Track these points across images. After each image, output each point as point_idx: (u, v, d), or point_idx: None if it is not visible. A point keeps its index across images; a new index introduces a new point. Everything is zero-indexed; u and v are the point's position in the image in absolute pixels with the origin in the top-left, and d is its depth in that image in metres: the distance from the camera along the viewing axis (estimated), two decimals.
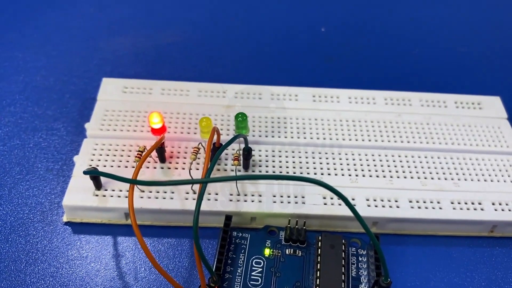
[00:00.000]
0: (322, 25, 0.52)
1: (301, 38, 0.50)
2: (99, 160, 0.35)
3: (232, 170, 0.35)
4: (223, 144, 0.33)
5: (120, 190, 0.34)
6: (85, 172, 0.30)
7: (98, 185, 0.33)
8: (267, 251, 0.32)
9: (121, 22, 0.51)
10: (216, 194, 0.34)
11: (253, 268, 0.31)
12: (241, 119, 0.34)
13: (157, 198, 0.33)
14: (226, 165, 0.36)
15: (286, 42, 0.50)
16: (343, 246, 0.32)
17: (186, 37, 0.49)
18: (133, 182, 0.26)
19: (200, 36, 0.50)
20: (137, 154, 0.33)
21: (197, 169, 0.35)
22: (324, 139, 0.38)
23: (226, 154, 0.36)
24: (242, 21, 0.52)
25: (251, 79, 0.43)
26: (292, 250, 0.32)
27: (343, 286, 0.30)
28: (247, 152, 0.34)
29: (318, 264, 0.31)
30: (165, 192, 0.34)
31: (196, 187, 0.34)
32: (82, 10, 0.52)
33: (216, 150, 0.35)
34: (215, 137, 0.34)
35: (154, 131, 0.34)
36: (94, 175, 0.32)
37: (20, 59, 0.46)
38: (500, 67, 0.49)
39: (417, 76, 0.47)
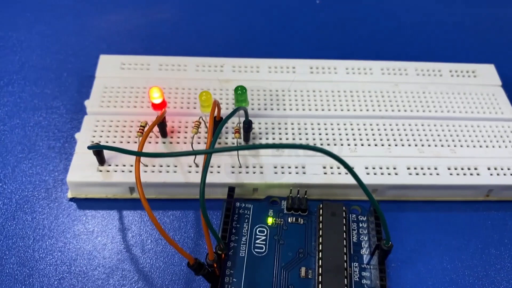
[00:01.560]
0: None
1: (296, 9, 0.50)
2: (101, 137, 0.36)
3: (233, 143, 0.36)
4: (223, 117, 0.34)
5: (124, 165, 0.34)
6: (89, 147, 0.30)
7: (101, 161, 0.34)
8: (270, 220, 0.33)
9: (112, 1, 0.50)
10: (219, 166, 0.35)
11: (257, 236, 0.32)
12: (240, 92, 0.34)
13: (160, 172, 0.34)
14: (227, 138, 0.36)
15: (281, 14, 0.50)
16: (343, 213, 0.32)
17: (179, 12, 0.49)
18: (138, 154, 0.26)
19: (193, 10, 0.50)
20: (139, 129, 0.33)
21: (199, 143, 0.36)
22: (323, 110, 0.39)
23: (227, 128, 0.37)
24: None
25: (248, 52, 0.43)
26: (294, 218, 0.33)
27: (344, 251, 0.31)
28: (248, 125, 0.35)
29: (320, 231, 0.32)
30: (168, 166, 0.34)
31: (199, 160, 0.34)
32: None
33: (217, 123, 0.35)
34: (216, 110, 0.34)
35: (155, 106, 0.34)
36: (98, 149, 0.33)
37: (14, 39, 0.46)
38: (493, 35, 0.49)
39: (413, 46, 0.47)
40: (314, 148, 0.25)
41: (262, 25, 0.49)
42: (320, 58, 0.42)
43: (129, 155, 0.33)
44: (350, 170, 0.26)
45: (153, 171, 0.34)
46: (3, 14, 0.48)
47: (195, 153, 0.23)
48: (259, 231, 0.33)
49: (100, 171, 0.34)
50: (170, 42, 0.46)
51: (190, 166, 0.34)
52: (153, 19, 0.48)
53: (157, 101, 0.34)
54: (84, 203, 0.34)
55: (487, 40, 0.49)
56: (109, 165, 0.34)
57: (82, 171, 0.34)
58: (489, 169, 0.36)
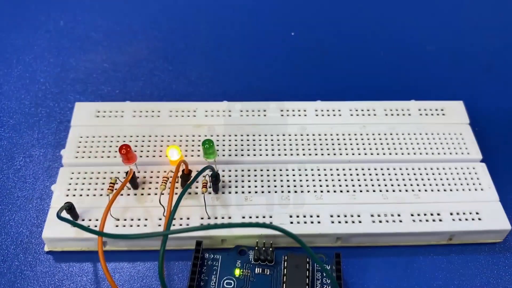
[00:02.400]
0: (291, 31, 0.52)
1: (267, 49, 0.51)
2: (75, 190, 0.37)
3: (203, 193, 0.37)
4: (195, 168, 0.35)
5: (96, 219, 0.35)
6: (58, 216, 0.32)
7: (75, 217, 0.35)
8: (237, 272, 0.34)
9: (90, 37, 0.51)
10: (188, 218, 0.36)
11: None
12: (207, 145, 0.35)
13: (131, 226, 0.35)
14: (197, 188, 0.38)
15: (252, 54, 0.51)
16: (307, 265, 0.34)
17: (154, 51, 0.50)
18: (100, 234, 0.27)
19: (167, 51, 0.50)
20: (109, 186, 0.35)
21: (169, 193, 0.37)
22: (292, 155, 0.40)
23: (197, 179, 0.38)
24: (209, 33, 0.53)
25: (220, 94, 0.44)
26: (260, 269, 0.35)
27: None
28: (215, 178, 0.36)
29: (284, 284, 0.33)
30: (139, 220, 0.36)
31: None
32: (50, 25, 0.52)
33: (185, 176, 0.36)
34: (184, 166, 0.35)
35: (124, 159, 0.35)
36: (71, 207, 0.34)
37: None
38: (463, 71, 0.50)
39: (383, 83, 0.48)
40: (258, 225, 0.26)
41: (234, 67, 0.49)
42: (291, 100, 0.43)
43: (103, 210, 0.35)
44: (297, 239, 0.27)
45: (124, 225, 0.35)
46: None
47: (151, 235, 0.25)
48: (227, 283, 0.34)
49: (75, 227, 0.35)
50: (146, 82, 0.47)
51: (160, 219, 0.36)
52: (131, 58, 0.49)
53: (126, 157, 0.35)
54: (61, 256, 0.36)
55: (456, 76, 0.49)
56: (83, 220, 0.35)
57: (56, 227, 0.35)
58: (451, 214, 0.37)
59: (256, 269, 0.35)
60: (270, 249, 0.35)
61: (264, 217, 0.36)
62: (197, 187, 0.38)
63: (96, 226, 0.35)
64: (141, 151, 0.39)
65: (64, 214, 0.35)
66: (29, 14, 0.53)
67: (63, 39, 0.51)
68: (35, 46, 0.50)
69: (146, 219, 0.36)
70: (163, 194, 0.36)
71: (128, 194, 0.37)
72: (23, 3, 0.54)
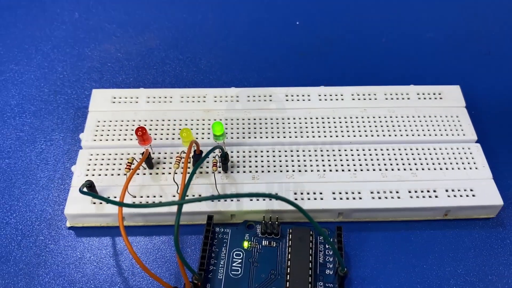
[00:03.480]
0: (295, 20, 0.54)
1: (274, 37, 0.53)
2: (94, 170, 0.40)
3: (213, 172, 0.40)
4: (206, 149, 0.38)
5: (115, 197, 0.38)
6: (80, 191, 0.34)
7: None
8: (246, 244, 0.37)
9: (104, 28, 0.54)
10: (200, 195, 0.38)
11: (234, 259, 0.36)
12: (217, 127, 0.38)
13: (147, 202, 0.38)
14: (207, 167, 0.40)
15: (259, 42, 0.53)
16: (310, 237, 0.36)
17: (165, 41, 0.52)
18: (120, 204, 0.30)
19: (178, 40, 0.53)
20: (127, 165, 0.37)
21: (182, 173, 0.40)
22: (296, 137, 0.42)
23: (208, 159, 0.40)
24: (218, 23, 0.55)
25: (228, 81, 0.46)
26: (267, 242, 0.37)
27: (310, 273, 0.35)
28: (224, 158, 0.38)
29: (289, 255, 0.36)
30: (154, 197, 0.38)
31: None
32: (65, 17, 0.55)
33: (197, 156, 0.39)
34: (195, 146, 0.38)
35: (140, 142, 0.38)
36: (91, 185, 0.37)
37: (15, 72, 0.49)
38: (460, 56, 0.52)
39: (384, 69, 0.50)
40: (269, 196, 0.28)
41: (242, 55, 0.52)
42: (298, 81, 0.45)
43: (121, 187, 0.37)
44: (300, 209, 0.29)
45: (140, 202, 0.38)
46: (2, 47, 0.52)
47: (166, 204, 0.27)
48: (236, 255, 0.37)
49: (94, 203, 0.38)
50: (158, 70, 0.50)
51: (174, 196, 0.38)
52: (143, 47, 0.52)
53: (142, 139, 0.38)
54: (82, 231, 0.39)
55: (453, 60, 0.51)
56: None
57: (78, 204, 0.38)
58: (447, 191, 0.39)
59: (263, 241, 0.37)
60: (276, 223, 0.37)
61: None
62: (207, 167, 0.40)
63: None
64: (155, 134, 0.42)
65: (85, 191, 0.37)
66: (45, 6, 0.56)
67: (78, 30, 0.54)
68: (52, 37, 0.53)
69: (161, 196, 0.38)
70: (176, 173, 0.39)
71: (144, 174, 0.40)
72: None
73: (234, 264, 0.36)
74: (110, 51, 0.51)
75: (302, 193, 0.39)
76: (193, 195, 0.38)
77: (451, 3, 0.57)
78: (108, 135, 0.42)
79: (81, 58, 0.51)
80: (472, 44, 0.53)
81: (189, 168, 0.39)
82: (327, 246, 0.37)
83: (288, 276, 0.35)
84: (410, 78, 0.47)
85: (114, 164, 0.40)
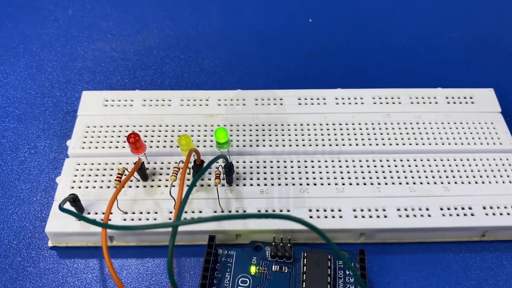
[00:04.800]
0: (308, 17, 0.50)
1: (284, 36, 0.48)
2: (81, 181, 0.35)
3: (216, 185, 0.35)
4: (208, 159, 0.33)
5: (103, 213, 0.33)
6: (60, 208, 0.30)
7: (79, 210, 0.33)
8: (253, 269, 0.32)
9: (100, 26, 0.49)
10: (200, 212, 0.34)
11: (239, 287, 0.31)
12: (221, 134, 0.33)
13: (140, 219, 0.33)
14: (209, 179, 0.35)
15: (268, 43, 0.48)
16: (328, 262, 0.31)
17: (165, 40, 0.48)
18: (104, 226, 0.25)
19: (179, 39, 0.48)
20: (117, 177, 0.32)
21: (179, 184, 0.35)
22: (310, 146, 0.37)
23: (210, 170, 0.36)
24: (222, 22, 0.50)
25: (233, 83, 0.42)
26: (278, 266, 0.32)
27: None
28: (229, 169, 0.33)
29: (304, 283, 0.31)
30: (148, 213, 0.33)
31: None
32: (59, 14, 0.50)
33: (197, 167, 0.34)
34: (195, 155, 0.33)
35: (133, 150, 0.33)
36: (75, 199, 0.32)
37: (1, 71, 0.45)
38: (491, 57, 0.47)
39: (407, 70, 0.45)
40: (280, 216, 0.23)
41: (247, 52, 0.47)
42: (309, 86, 0.41)
43: (106, 203, 0.33)
44: (318, 231, 0.25)
45: (132, 219, 0.33)
46: None
47: (159, 226, 0.22)
48: (242, 281, 0.32)
49: (79, 220, 0.33)
50: (157, 71, 0.45)
51: (171, 212, 0.33)
52: (141, 46, 0.47)
53: (135, 146, 0.33)
54: (65, 252, 0.34)
55: (486, 63, 0.46)
56: (88, 213, 0.33)
57: (61, 221, 0.33)
58: (484, 208, 0.34)
59: (273, 266, 0.32)
60: (288, 245, 0.32)
61: (281, 210, 0.34)
62: (209, 179, 0.35)
63: (102, 219, 0.33)
64: (151, 141, 0.37)
65: (68, 206, 0.33)
66: (37, 3, 0.52)
67: (72, 28, 0.49)
68: (43, 35, 0.48)
69: (156, 212, 0.33)
70: (173, 186, 0.34)
71: (137, 186, 0.35)
72: None
73: None
74: (104, 50, 0.47)
75: (318, 210, 0.34)
76: (193, 211, 0.34)
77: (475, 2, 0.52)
78: (98, 142, 0.37)
79: (73, 57, 0.46)
80: (503, 43, 0.48)
81: (188, 180, 0.35)
82: (347, 272, 0.32)
83: None
84: (436, 80, 0.42)
85: (103, 175, 0.35)
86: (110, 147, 0.37)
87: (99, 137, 0.38)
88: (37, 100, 0.43)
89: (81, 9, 0.51)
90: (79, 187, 0.35)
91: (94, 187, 0.35)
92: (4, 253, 0.34)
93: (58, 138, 0.40)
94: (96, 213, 0.33)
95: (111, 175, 0.35)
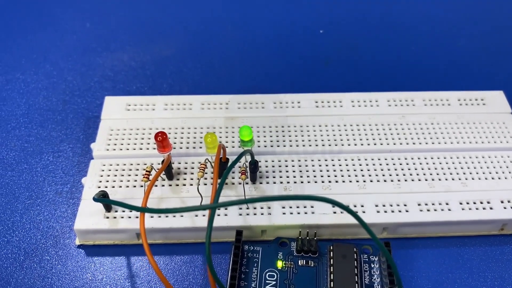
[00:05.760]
0: (319, 27, 0.51)
1: (299, 42, 0.50)
2: (107, 181, 0.36)
3: (240, 183, 0.36)
4: (229, 159, 0.34)
5: (130, 211, 0.34)
6: (94, 199, 0.30)
7: (108, 207, 0.34)
8: (279, 263, 0.32)
9: (117, 37, 0.51)
10: (226, 209, 0.34)
11: (266, 281, 0.32)
12: (245, 132, 0.34)
13: (167, 217, 0.34)
14: (233, 178, 0.36)
15: (283, 48, 0.50)
16: (355, 255, 0.32)
17: (182, 48, 0.49)
18: (143, 210, 0.26)
19: (196, 47, 0.50)
20: (145, 174, 0.33)
21: (205, 184, 0.36)
22: (330, 145, 0.38)
23: (233, 168, 0.36)
24: (237, 29, 0.52)
25: (252, 87, 0.43)
26: (304, 261, 0.33)
27: None
28: (254, 166, 0.34)
29: (331, 275, 0.31)
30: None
31: (205, 200, 0.34)
32: (76, 27, 0.52)
33: (222, 164, 0.35)
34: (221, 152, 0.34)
35: (160, 149, 0.34)
36: (105, 197, 0.33)
37: (21, 81, 0.46)
38: (501, 60, 0.49)
39: (420, 75, 0.47)
40: (317, 198, 0.24)
41: (264, 58, 0.48)
42: (325, 91, 0.42)
43: (137, 200, 0.34)
44: (356, 216, 0.25)
45: (159, 216, 0.34)
46: (9, 56, 0.48)
47: (197, 208, 0.23)
48: (269, 276, 0.32)
49: (107, 217, 0.34)
50: (175, 79, 0.46)
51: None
52: (158, 55, 0.48)
53: (162, 144, 0.34)
54: (92, 250, 0.34)
55: (495, 66, 0.48)
56: (116, 211, 0.34)
57: (89, 219, 0.33)
58: (502, 202, 0.35)
59: (299, 260, 0.33)
60: (315, 238, 0.33)
61: (305, 207, 0.34)
62: (233, 178, 0.36)
63: (130, 217, 0.34)
64: (174, 143, 0.38)
65: (97, 204, 0.33)
66: (56, 17, 0.53)
67: (90, 40, 0.50)
68: (62, 47, 0.50)
69: None
70: (199, 184, 0.35)
71: (163, 185, 0.36)
72: (49, 6, 0.54)
73: (267, 287, 0.31)
74: (122, 60, 0.48)
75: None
76: (218, 208, 0.34)
77: (483, 8, 0.55)
78: (122, 144, 0.38)
79: (92, 67, 0.47)
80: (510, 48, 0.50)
81: (211, 179, 0.35)
82: (372, 266, 0.33)
83: None
84: (448, 84, 0.44)
85: (129, 175, 0.36)
86: (134, 149, 0.38)
87: (122, 139, 0.38)
88: (58, 107, 0.44)
89: (98, 22, 0.53)
90: (106, 187, 0.35)
91: (120, 187, 0.35)
92: (32, 252, 0.34)
93: (81, 142, 0.41)
94: (124, 211, 0.34)
95: (136, 175, 0.36)
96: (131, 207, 0.27)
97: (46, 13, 0.54)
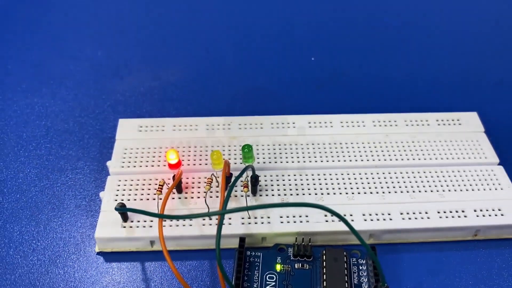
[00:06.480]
0: (311, 55, 0.57)
1: (294, 69, 0.55)
2: (123, 195, 0.40)
3: (242, 196, 0.40)
4: (233, 173, 0.38)
5: (145, 221, 0.38)
6: (116, 209, 0.34)
7: (125, 218, 0.38)
8: (278, 267, 0.36)
9: (126, 65, 0.56)
10: (230, 218, 0.38)
11: (267, 282, 0.36)
12: (247, 150, 0.39)
13: (177, 226, 0.38)
14: (236, 191, 0.40)
15: (279, 74, 0.55)
16: (345, 258, 0.36)
17: (186, 75, 0.54)
18: (161, 216, 0.30)
19: (199, 73, 0.55)
20: (158, 188, 0.37)
21: (210, 197, 0.40)
22: (322, 161, 0.43)
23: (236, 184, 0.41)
24: (238, 57, 0.57)
25: (251, 110, 0.48)
26: (300, 264, 0.37)
27: None
28: (255, 180, 0.39)
29: (324, 275, 0.35)
30: (184, 220, 0.38)
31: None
32: (89, 55, 0.57)
33: (227, 178, 0.39)
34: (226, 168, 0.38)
35: (171, 166, 0.39)
36: (123, 211, 0.37)
37: (40, 105, 0.50)
38: (475, 85, 0.54)
39: (401, 98, 0.52)
40: (311, 205, 0.29)
41: (264, 85, 0.53)
42: (317, 113, 0.47)
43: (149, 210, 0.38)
44: (345, 222, 0.30)
45: (170, 225, 0.38)
46: (31, 82, 0.53)
47: (208, 214, 0.27)
48: (269, 277, 0.36)
49: (124, 227, 0.38)
50: (181, 102, 0.51)
51: (204, 219, 0.38)
52: (164, 81, 0.53)
53: (173, 161, 0.38)
54: (110, 256, 0.38)
55: (470, 90, 0.53)
56: (132, 221, 0.38)
57: (108, 228, 0.37)
58: (475, 211, 0.39)
59: (296, 264, 0.37)
60: (309, 243, 0.37)
61: (300, 216, 0.39)
62: (236, 191, 0.40)
63: (144, 226, 0.38)
64: (182, 160, 0.42)
65: (115, 214, 0.37)
66: (69, 46, 0.58)
67: (101, 67, 0.55)
68: (76, 73, 0.54)
69: (190, 220, 0.38)
70: (205, 197, 0.39)
71: (173, 198, 0.40)
72: (64, 37, 0.59)
73: (268, 287, 0.35)
74: (133, 85, 0.52)
75: (332, 215, 0.39)
76: (223, 218, 0.38)
77: (462, 36, 0.60)
78: (136, 161, 0.42)
79: (104, 92, 0.52)
80: (486, 74, 0.55)
81: (217, 192, 0.40)
82: (360, 268, 0.37)
83: None
84: (428, 106, 0.49)
85: (142, 189, 0.40)
86: (147, 166, 0.42)
87: (136, 157, 0.43)
88: (75, 129, 0.48)
89: (109, 51, 0.57)
90: (122, 200, 0.39)
91: (135, 199, 0.39)
92: (56, 258, 0.38)
93: (97, 160, 0.45)
94: (139, 221, 0.38)
95: (149, 189, 0.40)
96: (150, 214, 0.31)
97: (61, 42, 0.58)
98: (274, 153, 0.43)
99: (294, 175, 0.42)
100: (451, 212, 0.39)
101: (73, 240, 0.39)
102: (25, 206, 0.41)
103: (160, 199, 0.37)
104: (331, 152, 0.43)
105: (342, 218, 0.30)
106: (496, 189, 0.41)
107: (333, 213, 0.29)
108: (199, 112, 0.50)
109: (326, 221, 0.38)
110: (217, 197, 0.40)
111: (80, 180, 0.43)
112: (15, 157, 0.45)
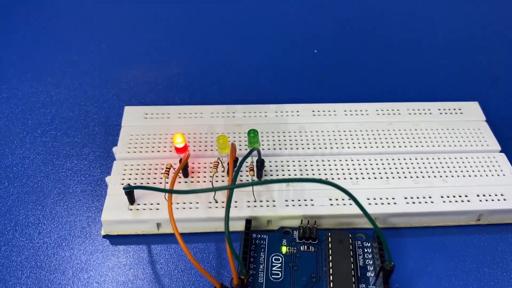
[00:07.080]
0: (314, 48, 0.57)
1: (298, 60, 0.56)
2: (129, 180, 0.40)
3: (248, 180, 0.40)
4: (239, 157, 0.39)
5: (151, 204, 0.38)
6: (124, 188, 0.35)
7: (131, 201, 0.38)
8: (284, 249, 0.37)
9: (131, 55, 0.56)
10: (236, 201, 0.39)
11: (273, 264, 0.36)
12: (253, 134, 0.39)
13: (184, 208, 0.38)
14: (241, 176, 0.41)
15: (284, 65, 0.55)
16: (350, 240, 0.36)
17: (190, 65, 0.55)
18: (172, 191, 0.30)
19: (203, 64, 0.55)
20: (165, 171, 0.38)
21: (217, 181, 0.40)
22: (326, 148, 0.43)
23: (241, 166, 0.41)
24: (243, 48, 0.58)
25: (256, 99, 0.48)
26: (306, 246, 0.37)
27: (352, 274, 0.34)
28: (260, 163, 0.39)
29: (330, 257, 0.35)
30: (191, 203, 0.38)
31: (218, 196, 0.38)
32: (92, 50, 0.57)
33: (234, 162, 0.39)
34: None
35: (178, 150, 0.39)
36: (130, 190, 0.37)
37: (45, 94, 0.51)
38: (476, 75, 0.55)
39: (404, 88, 0.52)
40: (323, 182, 0.29)
41: (266, 74, 0.54)
42: (321, 103, 0.47)
43: (157, 194, 0.38)
44: (355, 200, 0.30)
45: (177, 208, 0.38)
46: (36, 72, 0.53)
47: (219, 189, 0.27)
48: (275, 259, 0.36)
49: (131, 209, 0.38)
50: (185, 92, 0.51)
51: (210, 202, 0.38)
52: (167, 72, 0.54)
53: (180, 145, 0.39)
54: (116, 240, 0.38)
55: (471, 79, 0.54)
56: (138, 204, 0.38)
57: (114, 211, 0.38)
58: (478, 196, 0.40)
59: (301, 246, 0.37)
60: (315, 226, 0.37)
61: (305, 200, 0.39)
62: (241, 176, 0.41)
63: (151, 209, 0.38)
64: (188, 146, 0.43)
65: (123, 196, 0.37)
66: (73, 38, 0.58)
67: (106, 58, 0.56)
68: (80, 64, 0.55)
69: (197, 203, 0.38)
70: (211, 181, 0.39)
71: (179, 182, 0.40)
72: (69, 30, 0.60)
73: (274, 268, 0.36)
74: (137, 76, 0.53)
75: (337, 199, 0.39)
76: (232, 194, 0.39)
77: (462, 32, 0.61)
78: (141, 147, 0.43)
79: (109, 81, 0.52)
80: (486, 65, 0.56)
81: (222, 176, 0.40)
82: (365, 250, 0.37)
83: (331, 277, 0.34)
84: (430, 95, 0.50)
85: (149, 174, 0.40)
86: (153, 151, 0.42)
87: (142, 143, 0.43)
88: (80, 117, 0.48)
89: (113, 43, 0.58)
90: (128, 184, 0.40)
91: (141, 183, 0.40)
92: (62, 241, 0.38)
93: (102, 147, 0.45)
94: (145, 204, 0.38)
95: (155, 173, 0.41)
96: (160, 190, 0.32)
97: (67, 34, 0.59)
98: (279, 140, 0.44)
99: (299, 161, 0.42)
100: (454, 196, 0.40)
101: (79, 224, 0.39)
102: (31, 191, 0.41)
103: (167, 182, 0.38)
104: (335, 139, 0.44)
105: (350, 195, 0.30)
106: (498, 175, 0.41)
107: (343, 190, 0.29)
108: (204, 101, 0.50)
109: (331, 204, 0.39)
110: (223, 181, 0.40)
111: (86, 166, 0.43)
112: (21, 144, 0.45)
